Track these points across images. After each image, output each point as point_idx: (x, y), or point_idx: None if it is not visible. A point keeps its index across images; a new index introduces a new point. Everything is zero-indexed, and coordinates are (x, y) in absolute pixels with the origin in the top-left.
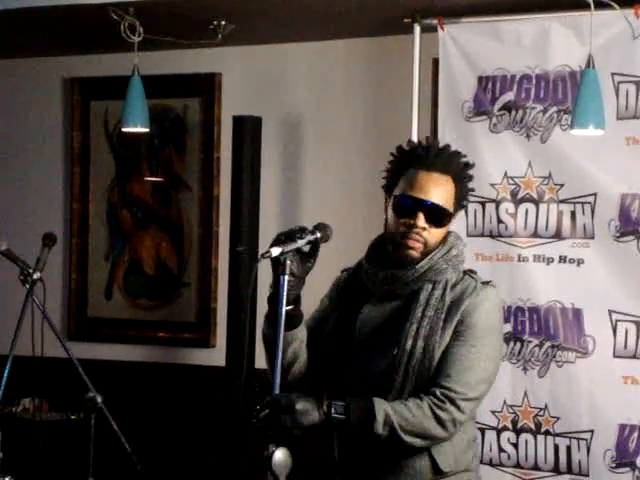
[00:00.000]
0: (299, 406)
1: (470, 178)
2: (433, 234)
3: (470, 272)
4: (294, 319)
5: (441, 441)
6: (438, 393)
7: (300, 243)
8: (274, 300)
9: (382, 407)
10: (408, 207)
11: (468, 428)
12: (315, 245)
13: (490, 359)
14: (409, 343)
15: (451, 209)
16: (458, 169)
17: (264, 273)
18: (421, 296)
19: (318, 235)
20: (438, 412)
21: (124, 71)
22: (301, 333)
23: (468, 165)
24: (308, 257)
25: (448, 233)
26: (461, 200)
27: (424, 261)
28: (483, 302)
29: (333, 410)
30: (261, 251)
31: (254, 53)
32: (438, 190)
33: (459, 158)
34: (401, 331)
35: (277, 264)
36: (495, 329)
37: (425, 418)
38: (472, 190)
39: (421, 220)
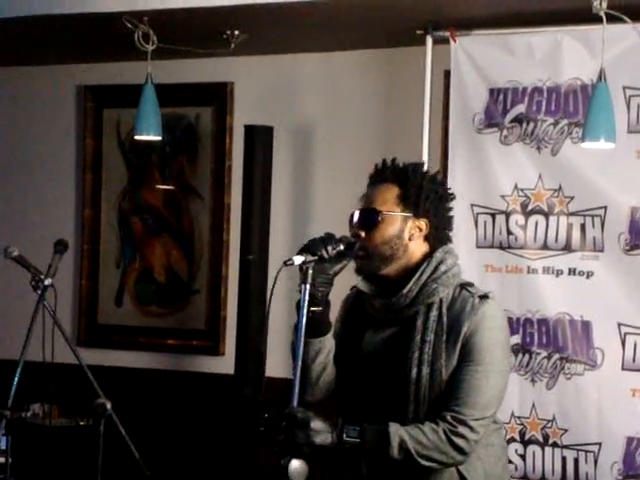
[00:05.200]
0: (314, 424)
1: (419, 176)
2: (373, 238)
3: (467, 285)
4: (322, 324)
5: (459, 464)
6: (449, 418)
7: (324, 253)
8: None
9: (397, 432)
10: (351, 221)
11: (495, 438)
12: (349, 246)
13: (498, 374)
14: (414, 371)
15: (384, 208)
16: (404, 174)
17: (279, 282)
18: (418, 321)
19: (341, 247)
20: (453, 438)
21: (137, 79)
22: (329, 343)
23: (417, 167)
24: (342, 257)
25: (435, 248)
26: (408, 199)
27: (411, 284)
28: (484, 320)
29: (346, 434)
30: (271, 259)
31: (266, 63)
32: (375, 197)
33: (411, 167)
34: (404, 358)
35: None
36: (499, 344)
37: (441, 443)
38: (435, 190)
39: (356, 227)
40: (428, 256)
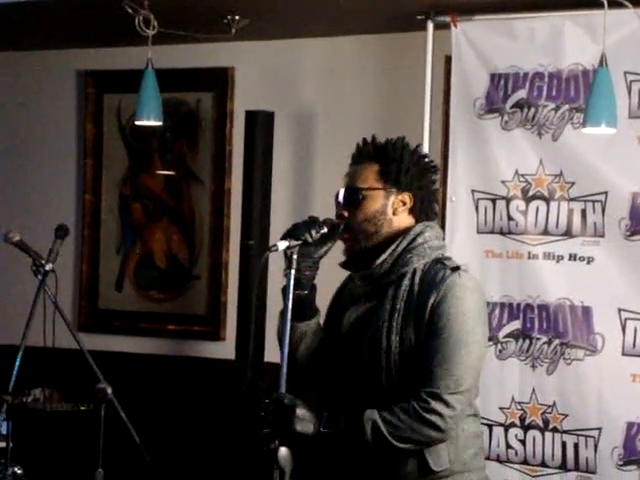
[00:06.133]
0: (299, 412)
1: (398, 151)
2: (356, 216)
3: (443, 259)
4: (307, 307)
5: (439, 441)
6: (423, 394)
7: (308, 237)
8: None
9: (370, 417)
10: (336, 202)
11: (467, 424)
12: (333, 228)
13: (471, 345)
14: (384, 341)
15: (365, 185)
16: (383, 150)
17: (275, 266)
18: (390, 291)
19: (325, 230)
20: (424, 414)
21: (138, 64)
22: (316, 327)
23: (397, 142)
24: (326, 240)
25: (416, 222)
26: (388, 174)
27: (386, 255)
28: (452, 289)
29: (323, 426)
30: (271, 245)
31: (267, 48)
32: (356, 175)
33: (391, 142)
34: (375, 327)
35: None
36: (470, 313)
37: (414, 422)
38: (415, 163)
39: (340, 207)
40: (409, 229)
